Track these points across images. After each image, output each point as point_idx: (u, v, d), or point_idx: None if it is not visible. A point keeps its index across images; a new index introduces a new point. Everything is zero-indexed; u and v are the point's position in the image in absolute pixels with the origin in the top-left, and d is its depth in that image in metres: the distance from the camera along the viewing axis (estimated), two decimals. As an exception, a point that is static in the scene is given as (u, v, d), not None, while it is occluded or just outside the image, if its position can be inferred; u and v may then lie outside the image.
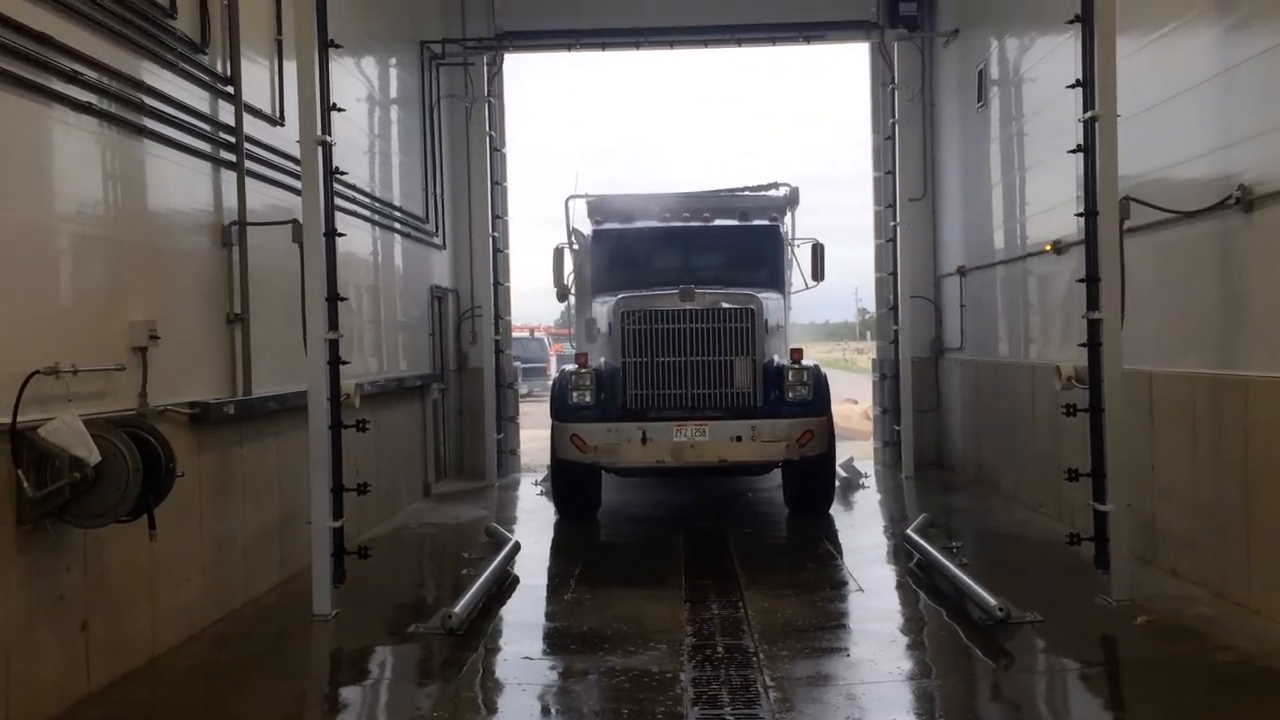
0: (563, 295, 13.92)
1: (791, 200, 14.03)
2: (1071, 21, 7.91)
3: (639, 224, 13.38)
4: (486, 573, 8.29)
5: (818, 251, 13.69)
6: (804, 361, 11.16)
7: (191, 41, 7.51)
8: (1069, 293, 9.79)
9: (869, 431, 17.90)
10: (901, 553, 9.50)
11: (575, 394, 10.98)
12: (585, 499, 11.59)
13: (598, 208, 13.79)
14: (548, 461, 11.78)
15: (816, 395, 10.95)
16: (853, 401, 26.50)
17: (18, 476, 5.33)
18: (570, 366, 11.44)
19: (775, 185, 14.28)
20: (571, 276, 13.87)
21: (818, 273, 13.71)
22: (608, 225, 13.45)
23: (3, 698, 5.23)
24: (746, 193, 14.32)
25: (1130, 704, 6.08)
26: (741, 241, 13.26)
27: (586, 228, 13.72)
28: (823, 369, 11.49)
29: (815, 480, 11.42)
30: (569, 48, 15.54)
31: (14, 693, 5.30)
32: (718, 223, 13.33)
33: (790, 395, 10.88)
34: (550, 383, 12.50)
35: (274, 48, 9.00)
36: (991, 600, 7.05)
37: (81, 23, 6.17)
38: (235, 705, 6.03)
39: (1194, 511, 7.88)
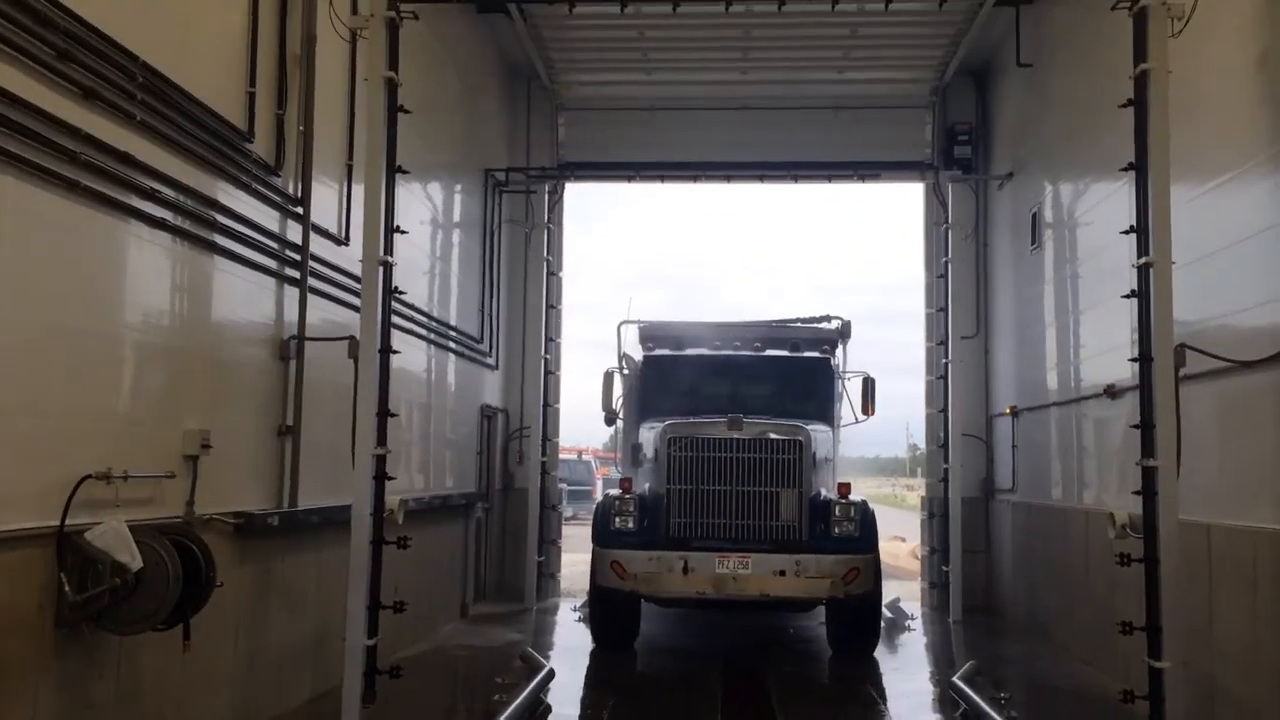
0: (610, 419, 13.84)
1: (843, 333, 14.00)
2: (1125, 169, 7.98)
3: (689, 351, 13.41)
4: (517, 701, 8.14)
5: (868, 385, 13.50)
6: (852, 496, 10.93)
7: (266, 164, 7.84)
8: (1124, 438, 9.61)
9: (917, 571, 17.47)
10: (948, 701, 9.16)
11: (618, 520, 10.84)
12: (624, 628, 11.35)
13: (649, 333, 13.81)
14: (588, 587, 11.62)
15: (864, 532, 10.71)
16: (900, 539, 25.97)
17: (60, 579, 5.38)
18: (614, 491, 11.33)
19: (827, 318, 14.27)
20: (620, 401, 13.84)
21: (868, 407, 13.52)
22: (658, 351, 13.50)
23: (23, 805, 5.17)
24: (799, 324, 14.32)
25: None
26: (792, 373, 13.19)
27: (637, 353, 13.79)
28: (871, 505, 11.26)
29: (860, 620, 11.06)
30: (629, 179, 15.98)
31: (35, 801, 5.24)
32: (769, 353, 13.31)
33: (837, 530, 10.66)
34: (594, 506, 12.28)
35: (344, 172, 9.36)
36: (1040, 758, 6.74)
37: (164, 144, 6.48)
38: (255, 826, 5.90)
39: (1255, 674, 7.53)
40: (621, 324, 14.24)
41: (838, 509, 10.73)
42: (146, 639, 5.99)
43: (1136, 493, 7.71)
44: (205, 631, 6.40)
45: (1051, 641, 12.08)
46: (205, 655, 6.67)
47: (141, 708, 6.17)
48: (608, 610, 11.22)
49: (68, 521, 5.41)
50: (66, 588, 5.39)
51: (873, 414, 13.54)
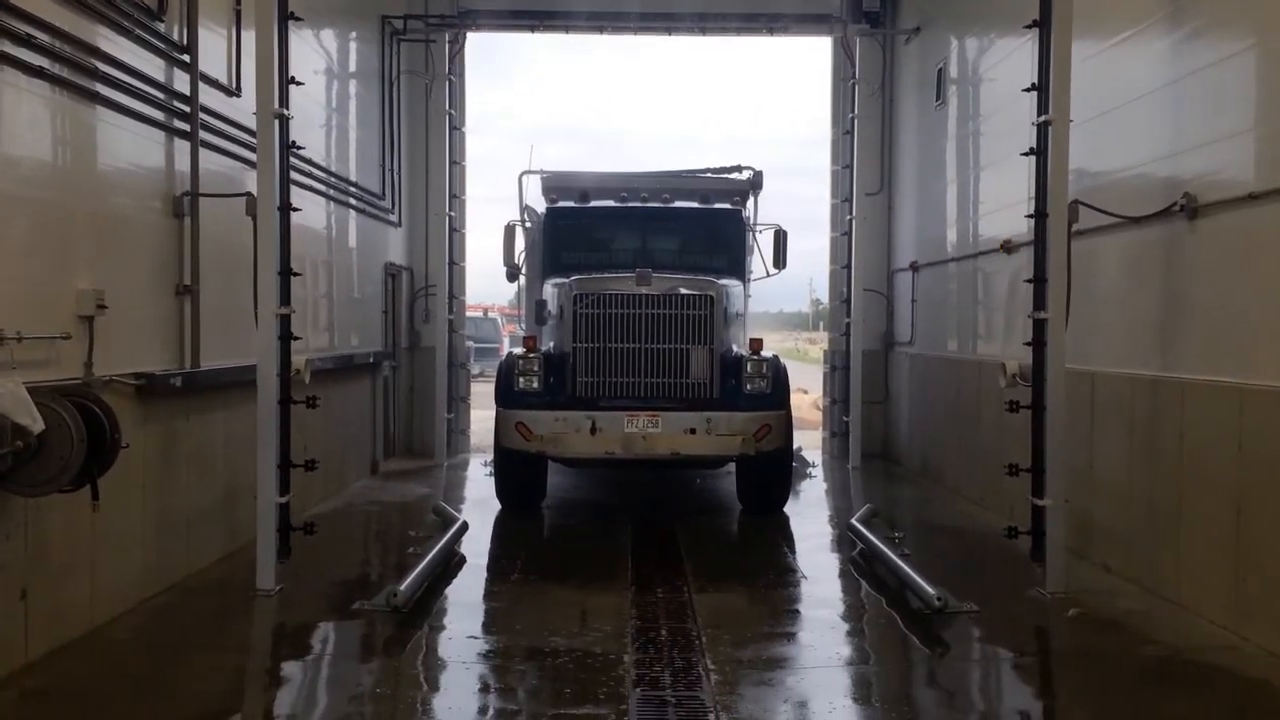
0: (513, 275, 13.22)
1: (755, 184, 13.30)
2: (1029, 26, 8.04)
3: (595, 203, 12.84)
4: (433, 552, 8.30)
5: (780, 238, 13.04)
6: (764, 352, 10.68)
7: (148, 8, 7.39)
8: (1017, 292, 9.97)
9: (818, 421, 18.09)
10: (845, 542, 9.64)
11: (522, 379, 10.50)
12: (530, 489, 11.17)
13: (553, 184, 13.05)
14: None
15: (776, 388, 10.54)
16: (803, 391, 26.66)
17: (-42, 443, 5.26)
18: (518, 350, 10.96)
19: (739, 168, 13.52)
20: (523, 256, 13.24)
21: (779, 260, 13.08)
22: (562, 203, 12.86)
23: (-63, 666, 5.17)
24: (708, 175, 13.57)
25: (1059, 693, 6.26)
26: (702, 225, 12.77)
27: (540, 205, 13.15)
28: (782, 360, 11.11)
29: (771, 477, 11.01)
30: (532, 29, 15.46)
31: (-51, 661, 5.24)
32: (678, 204, 12.78)
33: (748, 387, 10.45)
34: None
35: (233, 17, 8.88)
36: (930, 590, 7.20)
37: (35, -16, 6.06)
38: (174, 678, 6.00)
39: (1129, 509, 8.10)
40: (523, 174, 13.51)
41: (749, 365, 10.53)
42: (54, 500, 5.92)
43: (1027, 343, 8.07)
44: (113, 492, 6.35)
45: (945, 485, 12.73)
46: (114, 516, 6.63)
47: (52, 567, 6.14)
48: (513, 472, 10.99)
49: (-39, 384, 5.25)
50: (-35, 451, 5.27)
51: (784, 268, 13.22)
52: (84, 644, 6.37)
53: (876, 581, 8.22)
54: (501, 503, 11.25)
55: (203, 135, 8.12)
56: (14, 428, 5.34)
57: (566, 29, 15.50)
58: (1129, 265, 8.37)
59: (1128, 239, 8.26)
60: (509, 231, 12.96)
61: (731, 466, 11.59)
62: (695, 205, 12.93)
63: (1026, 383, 8.19)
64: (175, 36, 7.85)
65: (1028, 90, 8.09)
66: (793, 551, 9.67)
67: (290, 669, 6.42)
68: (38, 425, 5.42)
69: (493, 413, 11.22)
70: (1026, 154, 8.11)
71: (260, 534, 7.60)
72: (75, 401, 5.83)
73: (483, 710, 5.71)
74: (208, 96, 8.27)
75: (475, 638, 6.97)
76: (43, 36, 6.09)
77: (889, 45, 15.56)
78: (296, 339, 8.01)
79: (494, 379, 11.36)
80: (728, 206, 12.98)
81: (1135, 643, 6.71)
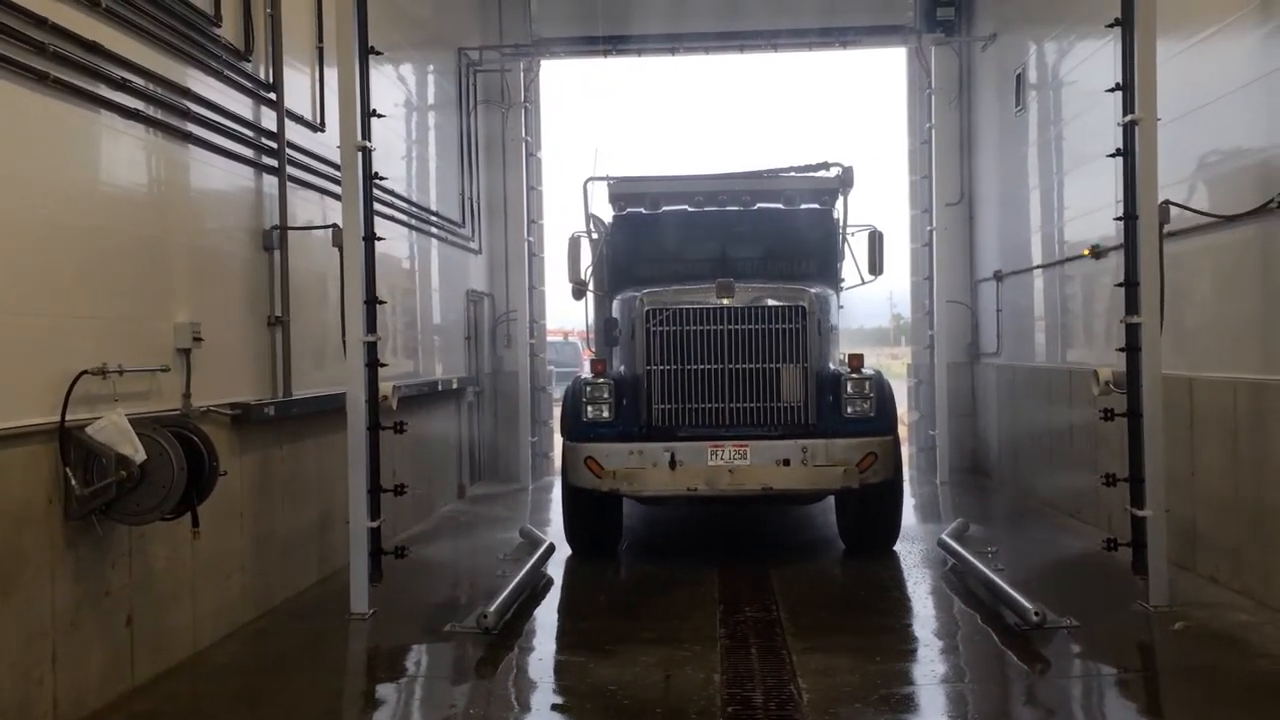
0: (579, 292, 11.92)
1: (845, 182, 11.67)
2: (1111, 25, 7.87)
3: (668, 208, 11.60)
4: (521, 573, 8.35)
5: (876, 241, 11.55)
6: (865, 369, 9.53)
7: (235, 49, 7.65)
8: (1107, 297, 9.72)
9: (903, 436, 17.79)
10: (936, 558, 9.45)
11: (590, 408, 9.42)
12: (604, 532, 9.97)
13: (621, 191, 11.73)
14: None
15: (881, 410, 9.38)
16: (888, 407, 26.33)
17: (65, 474, 5.46)
18: (585, 374, 9.93)
19: (826, 165, 11.95)
20: (590, 271, 11.97)
21: (876, 265, 11.62)
22: (631, 210, 11.65)
23: (50, 689, 5.35)
24: (792, 174, 12.10)
25: (1167, 710, 6.04)
26: (787, 229, 11.55)
27: (608, 214, 12.01)
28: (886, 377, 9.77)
29: (879, 513, 9.72)
30: (605, 54, 15.60)
31: (61, 684, 5.42)
32: (760, 206, 11.55)
33: (850, 410, 9.31)
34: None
35: (315, 55, 9.13)
36: (1027, 604, 7.02)
37: (131, 31, 6.31)
38: (274, 700, 6.13)
39: (1236, 518, 7.79)
40: (588, 181, 12.18)
41: (850, 385, 9.35)
42: (156, 528, 6.11)
43: (1121, 349, 7.85)
44: (212, 520, 6.51)
45: (1037, 498, 12.42)
46: (214, 542, 6.82)
47: (156, 594, 6.33)
48: (583, 513, 9.77)
49: (68, 417, 5.45)
50: (73, 481, 5.46)
51: (881, 273, 11.78)
52: (187, 667, 6.54)
53: (970, 597, 8.04)
54: (572, 547, 10.00)
55: (289, 170, 8.36)
56: (118, 458, 5.53)
57: (640, 52, 15.64)
58: (1223, 266, 8.09)
59: (1221, 240, 7.99)
60: (573, 244, 11.76)
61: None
62: (779, 207, 11.70)
63: (1120, 390, 7.96)
64: (262, 75, 8.11)
65: (1111, 90, 7.91)
66: (881, 566, 9.49)
67: (385, 690, 6.51)
68: (140, 455, 5.60)
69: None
70: (1113, 155, 7.91)
71: (353, 558, 7.74)
72: (175, 431, 6.01)
73: (575, 730, 5.71)
74: (294, 132, 8.51)
75: (565, 659, 6.98)
76: (137, 80, 6.34)
77: (965, 53, 15.36)
78: (383, 365, 8.17)
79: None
80: (816, 206, 11.70)
81: (1248, 657, 6.44)
